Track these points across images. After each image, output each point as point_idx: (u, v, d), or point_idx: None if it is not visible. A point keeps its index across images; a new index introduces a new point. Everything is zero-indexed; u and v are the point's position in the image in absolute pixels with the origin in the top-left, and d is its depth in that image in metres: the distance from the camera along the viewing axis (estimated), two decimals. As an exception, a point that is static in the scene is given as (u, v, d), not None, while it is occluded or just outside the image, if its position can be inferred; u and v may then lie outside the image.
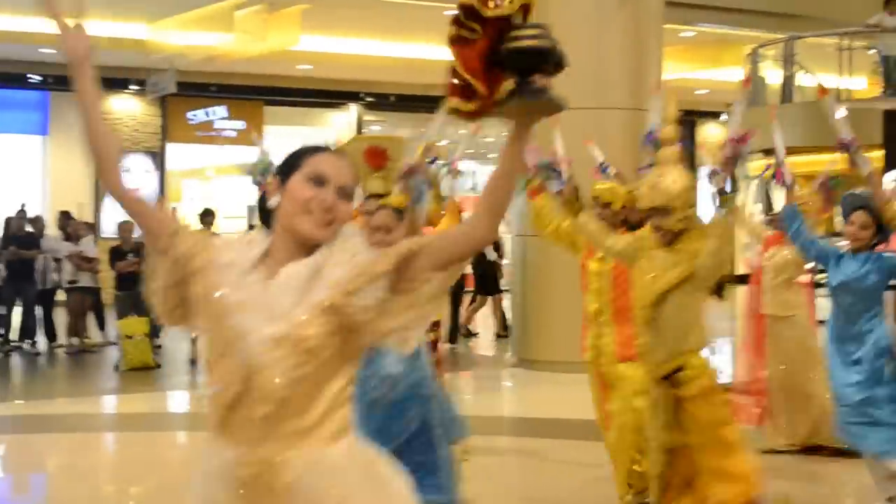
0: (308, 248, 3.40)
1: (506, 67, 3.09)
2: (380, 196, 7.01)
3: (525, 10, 3.12)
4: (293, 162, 3.50)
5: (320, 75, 27.49)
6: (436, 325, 10.07)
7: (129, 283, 16.21)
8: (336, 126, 30.03)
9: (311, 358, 3.29)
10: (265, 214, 3.55)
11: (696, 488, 6.79)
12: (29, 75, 26.54)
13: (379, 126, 31.60)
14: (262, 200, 3.55)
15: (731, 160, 6.68)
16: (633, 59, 15.85)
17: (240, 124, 28.52)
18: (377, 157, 7.56)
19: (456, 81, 3.16)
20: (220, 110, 28.42)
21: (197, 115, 28.23)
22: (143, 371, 16.00)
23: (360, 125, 30.56)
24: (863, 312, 7.93)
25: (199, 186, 28.12)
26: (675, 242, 6.71)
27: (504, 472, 9.03)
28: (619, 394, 8.25)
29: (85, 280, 18.47)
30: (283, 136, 25.47)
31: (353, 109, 30.22)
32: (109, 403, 14.33)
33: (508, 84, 3.10)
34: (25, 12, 22.28)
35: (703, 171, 11.94)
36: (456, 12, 3.11)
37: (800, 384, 10.39)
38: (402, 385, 6.40)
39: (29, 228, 19.61)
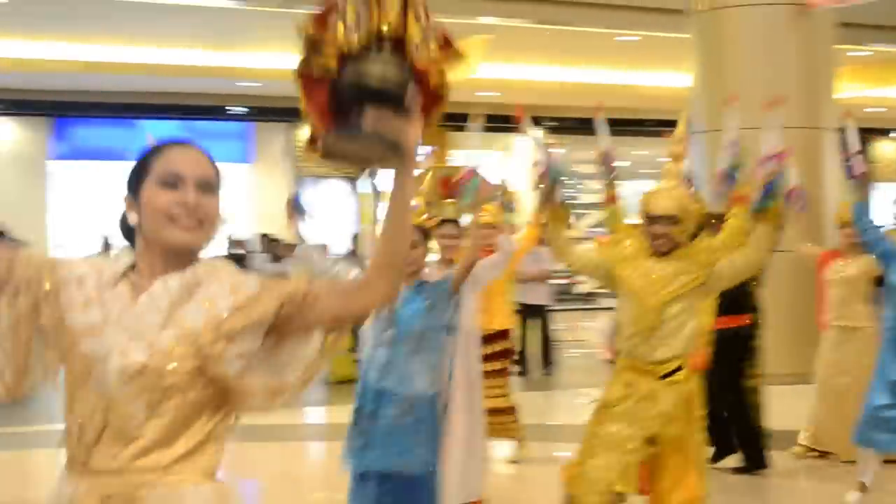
0: (183, 257, 2.92)
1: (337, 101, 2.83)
2: (453, 221, 7.10)
3: (398, 42, 2.82)
4: (141, 168, 2.96)
5: (502, 101, 27.71)
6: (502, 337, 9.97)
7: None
8: (519, 150, 30.24)
9: (173, 394, 2.84)
10: (129, 233, 3.02)
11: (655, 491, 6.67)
12: (228, 107, 27.24)
13: (560, 149, 31.59)
14: (124, 218, 2.99)
15: (768, 177, 6.47)
16: (806, 79, 15.78)
17: (427, 149, 28.87)
18: (449, 186, 7.65)
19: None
20: (408, 136, 28.73)
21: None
22: (347, 384, 16.24)
23: (541, 148, 30.63)
24: None
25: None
26: (670, 253, 6.55)
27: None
28: None
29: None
30: (469, 159, 25.81)
31: (535, 132, 30.24)
32: (317, 414, 14.63)
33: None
34: (224, 47, 23.06)
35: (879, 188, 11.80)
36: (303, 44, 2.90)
37: (848, 398, 9.98)
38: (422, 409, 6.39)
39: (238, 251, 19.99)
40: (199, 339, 2.80)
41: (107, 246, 19.57)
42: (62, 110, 26.43)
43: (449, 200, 7.26)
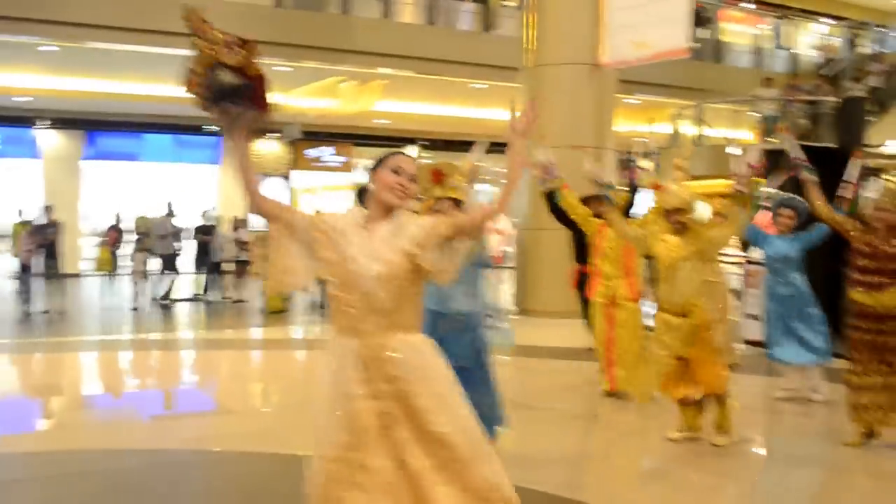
0: (389, 211, 3.49)
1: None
2: (440, 198, 6.94)
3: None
4: (381, 160, 3.56)
5: (392, 126, 27.61)
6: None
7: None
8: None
9: (400, 283, 3.41)
10: (361, 197, 3.40)
11: (690, 381, 6.57)
12: (204, 126, 26.38)
13: (429, 160, 31.58)
14: (362, 190, 3.43)
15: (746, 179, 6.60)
16: (596, 115, 15.92)
17: (340, 159, 28.58)
18: (437, 174, 7.70)
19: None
20: (327, 150, 28.47)
21: (312, 153, 28.32)
22: (278, 313, 16.09)
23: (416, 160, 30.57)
24: None
25: (311, 199, 28.07)
26: (684, 232, 6.45)
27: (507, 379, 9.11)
28: (631, 323, 8.15)
29: (242, 256, 18.37)
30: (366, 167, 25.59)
31: (412, 149, 30.25)
32: (257, 332, 14.37)
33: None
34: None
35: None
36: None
37: None
38: (469, 322, 5.91)
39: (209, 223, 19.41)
40: (407, 249, 3.41)
41: (118, 219, 19.04)
42: (92, 125, 25.82)
43: (437, 185, 7.13)
